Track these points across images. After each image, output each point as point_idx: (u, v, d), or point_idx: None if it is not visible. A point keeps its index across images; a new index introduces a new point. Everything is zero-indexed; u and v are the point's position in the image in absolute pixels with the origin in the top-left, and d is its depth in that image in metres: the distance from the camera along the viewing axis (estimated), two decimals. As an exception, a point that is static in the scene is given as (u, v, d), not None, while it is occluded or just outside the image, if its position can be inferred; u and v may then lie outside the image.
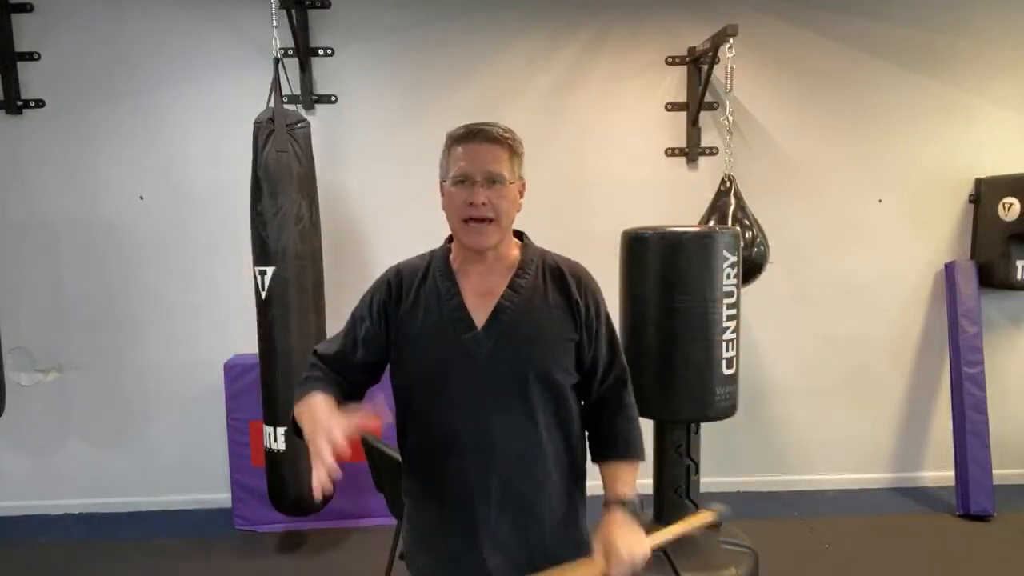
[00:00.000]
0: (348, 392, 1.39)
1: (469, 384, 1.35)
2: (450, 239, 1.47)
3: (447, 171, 1.37)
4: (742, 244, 2.91)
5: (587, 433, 1.49)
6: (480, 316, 1.36)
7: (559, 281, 1.42)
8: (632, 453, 1.48)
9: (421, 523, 1.47)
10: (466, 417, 1.35)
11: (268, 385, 2.97)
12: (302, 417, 1.29)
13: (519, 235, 1.50)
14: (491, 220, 1.32)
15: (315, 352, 1.46)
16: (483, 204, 1.31)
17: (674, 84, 3.66)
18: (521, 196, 1.41)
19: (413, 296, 1.41)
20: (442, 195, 1.40)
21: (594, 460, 1.50)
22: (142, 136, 3.50)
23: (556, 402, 1.39)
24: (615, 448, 1.47)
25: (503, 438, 1.35)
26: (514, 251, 1.44)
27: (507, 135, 1.37)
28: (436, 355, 1.36)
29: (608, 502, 1.43)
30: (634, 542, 1.32)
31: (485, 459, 1.35)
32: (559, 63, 3.60)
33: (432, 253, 1.48)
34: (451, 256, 1.44)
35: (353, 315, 1.46)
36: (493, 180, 1.32)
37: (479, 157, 1.33)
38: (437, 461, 1.39)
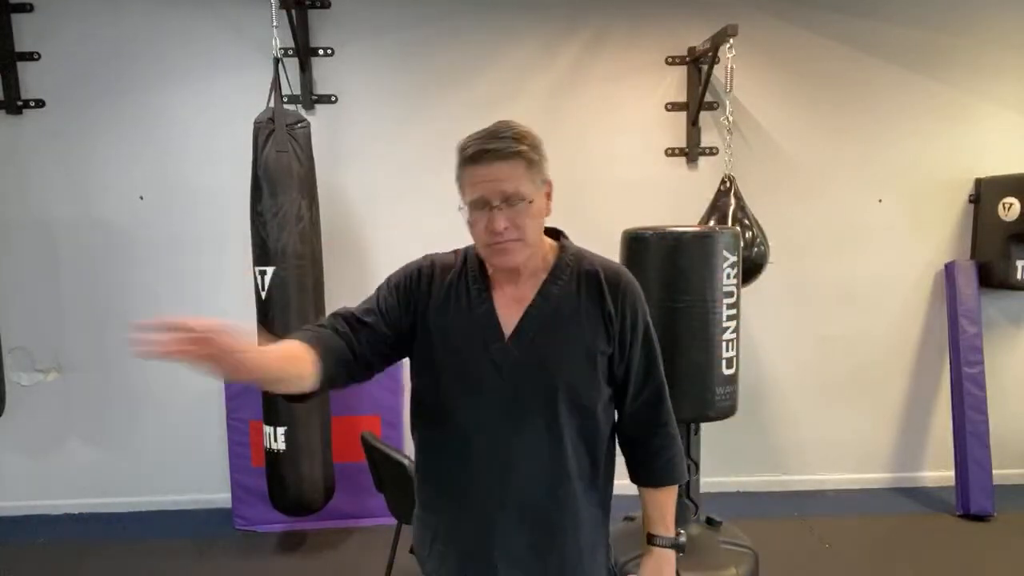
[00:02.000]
0: (352, 352, 1.27)
1: (494, 395, 1.28)
2: None
3: (463, 193, 1.28)
4: (742, 244, 2.91)
5: (625, 452, 1.42)
6: (509, 325, 1.29)
7: (593, 288, 1.32)
8: (673, 477, 1.42)
9: (433, 528, 1.41)
10: (488, 429, 1.28)
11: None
12: None
13: (556, 233, 1.40)
14: (516, 240, 1.24)
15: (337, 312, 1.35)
16: (505, 228, 1.22)
17: (674, 84, 3.66)
18: (549, 199, 1.32)
19: (444, 293, 1.33)
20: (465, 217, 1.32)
21: (633, 481, 1.44)
22: (142, 136, 3.50)
23: (583, 419, 1.31)
24: (654, 472, 1.41)
25: (526, 455, 1.28)
26: (548, 255, 1.35)
27: (518, 147, 1.24)
28: (463, 361, 1.29)
29: (651, 537, 1.40)
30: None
31: (506, 475, 1.28)
32: (559, 63, 3.60)
33: (466, 252, 1.38)
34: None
35: (376, 290, 1.37)
36: (511, 202, 1.22)
37: (493, 177, 1.22)
38: (454, 469, 1.33)
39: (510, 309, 1.30)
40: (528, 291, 1.31)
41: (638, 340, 1.34)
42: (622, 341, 1.32)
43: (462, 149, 1.26)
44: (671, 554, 1.41)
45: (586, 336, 1.30)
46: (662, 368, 1.39)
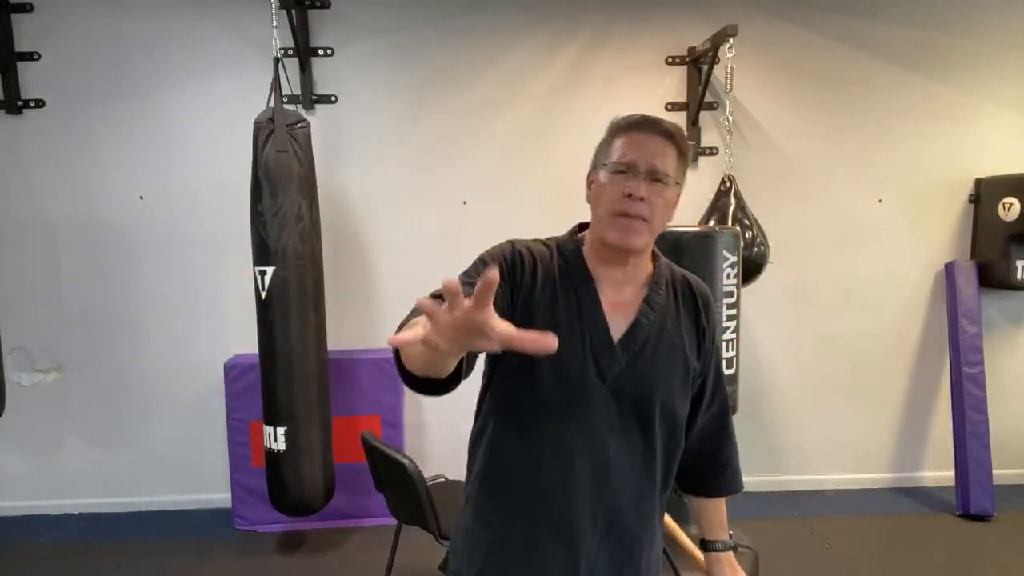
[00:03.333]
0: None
1: (593, 404, 1.20)
2: (577, 231, 1.32)
3: (605, 158, 1.22)
4: (742, 244, 2.91)
5: (688, 464, 1.38)
6: (615, 331, 1.22)
7: (689, 301, 1.30)
8: (737, 486, 1.45)
9: (490, 543, 1.26)
10: (586, 438, 1.21)
11: (268, 385, 2.97)
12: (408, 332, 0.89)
13: None
14: (645, 219, 1.17)
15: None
16: (641, 199, 1.16)
17: (674, 84, 3.66)
18: (676, 203, 1.25)
19: (550, 288, 1.23)
20: (588, 187, 1.27)
21: (692, 492, 1.44)
22: (142, 136, 3.50)
23: (672, 433, 1.28)
24: (721, 483, 1.43)
25: (621, 467, 1.22)
26: (648, 263, 1.29)
27: (678, 134, 1.21)
28: (564, 365, 1.19)
29: (710, 543, 1.42)
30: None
31: (599, 486, 1.22)
32: (559, 63, 3.60)
33: (557, 244, 1.29)
34: (584, 253, 1.28)
35: (474, 266, 1.24)
36: (656, 177, 1.17)
37: (646, 147, 1.18)
38: (544, 479, 1.22)
39: (615, 313, 1.23)
40: (631, 296, 1.25)
41: (713, 354, 1.33)
42: (706, 357, 1.31)
43: (617, 120, 1.24)
44: (732, 555, 1.44)
45: (685, 351, 1.26)
46: (726, 381, 1.40)
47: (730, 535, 1.45)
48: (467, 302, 0.77)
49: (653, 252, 1.31)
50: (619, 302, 1.24)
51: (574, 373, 1.19)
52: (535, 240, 1.30)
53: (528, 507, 1.23)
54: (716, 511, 1.44)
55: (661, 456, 1.26)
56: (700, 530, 1.45)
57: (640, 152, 1.18)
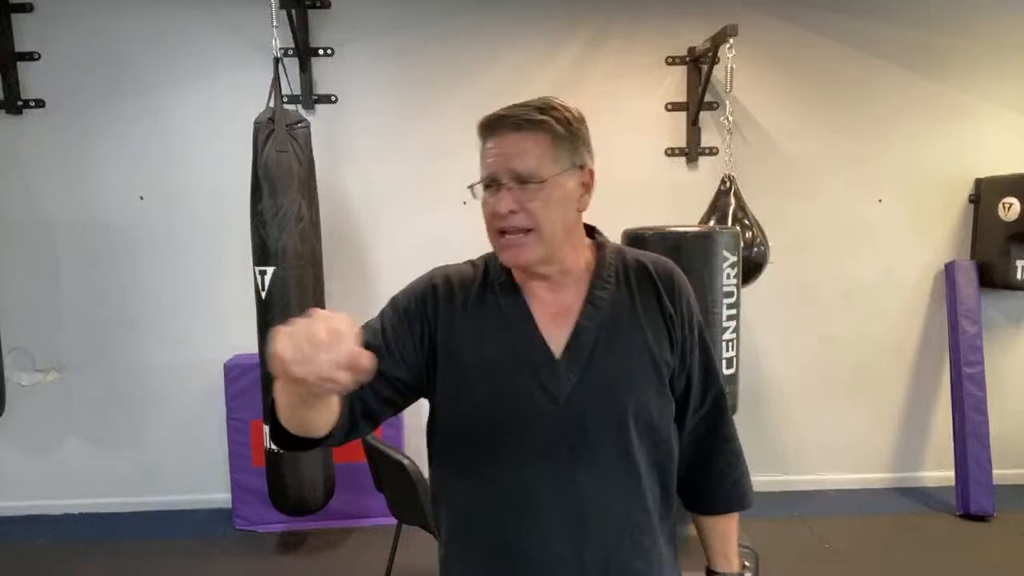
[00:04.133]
0: (353, 408, 1.04)
1: (549, 431, 1.04)
2: None
3: (479, 174, 1.08)
4: (742, 244, 2.91)
5: (680, 475, 1.19)
6: (556, 343, 1.07)
7: (647, 286, 1.12)
8: (739, 502, 1.22)
9: None
10: (547, 474, 1.04)
11: (268, 385, 2.95)
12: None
13: (590, 231, 1.17)
14: (529, 229, 1.03)
15: None
16: (511, 212, 1.02)
17: (674, 84, 3.66)
18: (587, 190, 1.09)
19: (471, 314, 1.09)
20: None
21: (689, 508, 1.24)
22: (142, 136, 3.50)
23: (655, 443, 1.10)
24: (718, 498, 1.21)
25: (598, 499, 1.05)
26: (585, 255, 1.13)
27: (544, 116, 1.03)
28: (504, 394, 1.05)
29: (712, 574, 1.23)
30: None
31: (577, 528, 1.05)
32: (559, 63, 3.60)
33: (485, 260, 1.16)
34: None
35: (379, 317, 1.15)
36: (522, 179, 1.02)
37: (502, 150, 1.03)
38: (505, 533, 1.06)
39: (554, 323, 1.08)
40: (572, 299, 1.09)
41: (696, 343, 1.15)
42: (683, 346, 1.13)
43: (480, 122, 1.08)
44: None
45: (650, 344, 1.09)
46: (721, 374, 1.20)
47: (743, 567, 1.26)
48: (347, 347, 0.74)
49: (596, 243, 1.15)
50: (559, 310, 1.09)
51: (514, 401, 1.04)
52: (464, 262, 1.18)
53: (504, 563, 1.08)
54: (713, 531, 1.23)
55: (648, 475, 1.09)
56: (705, 555, 1.26)
57: (496, 158, 1.03)
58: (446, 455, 1.13)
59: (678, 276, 1.15)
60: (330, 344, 0.74)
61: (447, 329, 1.09)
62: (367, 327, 1.11)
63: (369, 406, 1.06)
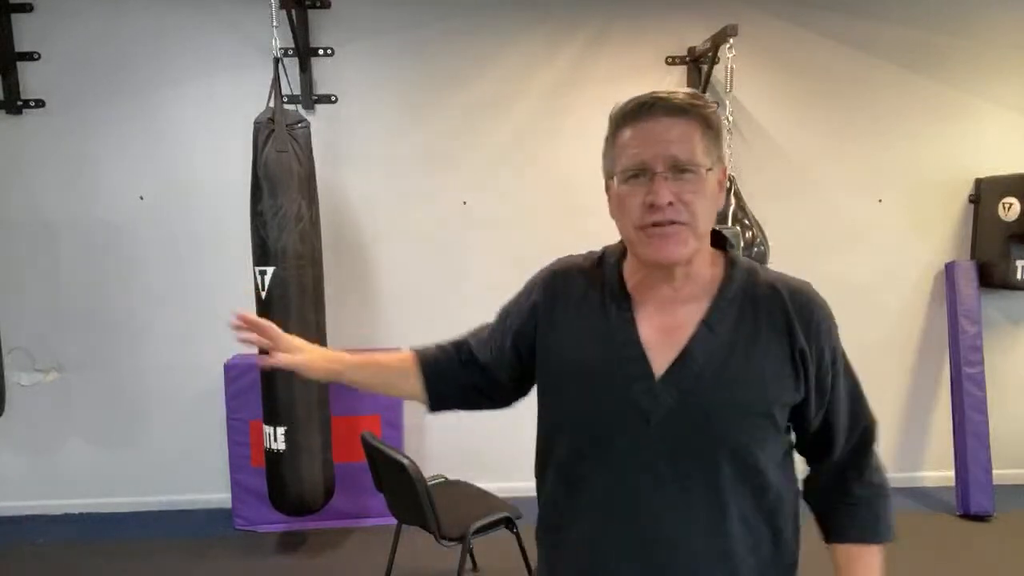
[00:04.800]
0: (466, 379, 1.18)
1: (635, 453, 0.98)
2: None
3: (614, 164, 0.99)
4: (742, 244, 2.91)
5: (815, 505, 1.14)
6: (660, 361, 0.99)
7: (777, 317, 1.01)
8: (877, 531, 1.12)
9: None
10: (628, 492, 0.99)
11: (268, 385, 2.97)
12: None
13: (719, 241, 1.07)
14: (683, 223, 0.95)
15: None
16: (669, 205, 0.93)
17: (674, 84, 3.66)
18: (722, 189, 1.01)
19: (573, 311, 1.05)
20: (609, 198, 1.03)
21: (827, 540, 1.15)
22: (142, 136, 3.50)
23: (761, 489, 1.01)
24: (854, 523, 1.11)
25: (675, 538, 0.98)
26: (712, 269, 1.04)
27: (697, 102, 0.96)
28: (593, 403, 1.00)
29: None
30: None
31: (651, 559, 0.99)
32: (559, 63, 3.60)
33: (603, 254, 1.10)
34: (625, 266, 1.06)
35: (498, 316, 1.18)
36: (681, 168, 0.94)
37: (658, 138, 0.94)
38: (584, 537, 1.04)
39: (662, 338, 1.00)
40: (687, 316, 1.01)
41: (840, 379, 1.06)
42: (821, 385, 1.03)
43: (617, 109, 0.99)
44: None
45: (766, 382, 0.99)
46: (869, 406, 1.10)
47: None
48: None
49: (727, 256, 1.06)
50: (669, 325, 1.01)
51: (603, 411, 0.99)
52: (586, 254, 1.13)
53: (573, 563, 1.06)
54: (848, 565, 1.11)
55: (742, 515, 0.99)
56: None
57: (652, 146, 0.94)
58: (544, 441, 1.11)
59: (817, 307, 1.04)
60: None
61: (548, 324, 1.08)
62: (490, 325, 1.20)
63: (488, 389, 1.18)
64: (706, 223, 0.97)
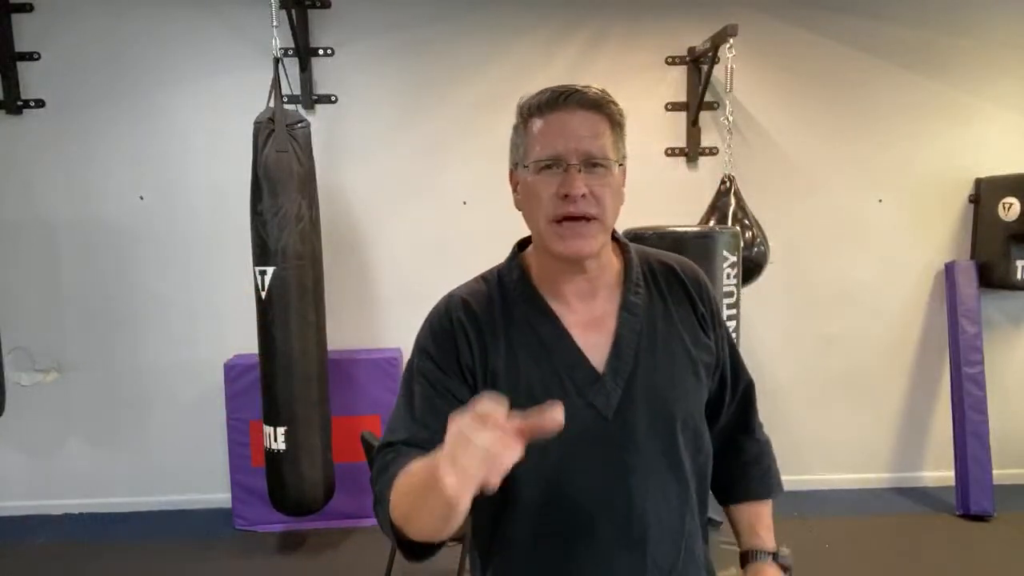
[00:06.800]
0: None
1: (602, 451, 1.00)
2: (519, 249, 1.11)
3: (524, 153, 1.00)
4: (742, 244, 2.91)
5: (713, 472, 1.14)
6: (598, 357, 1.01)
7: (677, 289, 1.08)
8: (770, 488, 1.17)
9: None
10: (604, 494, 1.00)
11: (268, 385, 2.97)
12: (413, 484, 0.83)
13: (612, 233, 1.09)
14: (594, 217, 0.96)
15: (383, 445, 1.01)
16: (583, 196, 0.95)
17: (674, 84, 3.66)
18: (624, 184, 1.03)
19: (500, 337, 1.01)
20: (514, 189, 1.05)
21: (722, 502, 1.20)
22: (142, 136, 3.50)
23: (698, 450, 1.06)
24: (750, 484, 1.16)
25: (656, 514, 1.01)
26: (614, 258, 1.08)
27: (608, 98, 0.99)
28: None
29: (753, 553, 1.14)
30: None
31: (638, 546, 1.01)
32: (559, 63, 3.59)
33: (498, 273, 1.08)
34: (532, 274, 1.06)
35: (410, 380, 1.03)
36: (594, 162, 0.96)
37: (573, 131, 0.95)
38: (563, 559, 1.01)
39: (590, 334, 1.03)
40: (604, 306, 1.04)
41: (724, 339, 1.12)
42: (716, 345, 1.09)
43: (529, 99, 1.00)
44: (776, 570, 1.15)
45: (689, 349, 1.05)
46: (744, 364, 1.17)
47: (779, 550, 1.17)
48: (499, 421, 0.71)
49: (621, 245, 1.10)
50: (592, 319, 1.03)
51: (565, 429, 0.89)
52: (474, 280, 1.09)
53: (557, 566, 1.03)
54: (744, 516, 1.18)
55: (692, 479, 1.05)
56: (738, 543, 1.20)
57: (566, 138, 0.95)
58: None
59: (702, 275, 1.13)
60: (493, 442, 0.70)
61: (481, 360, 1.01)
62: (406, 402, 1.02)
63: None
64: (612, 216, 1.00)
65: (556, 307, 1.04)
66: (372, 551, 3.05)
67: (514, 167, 1.04)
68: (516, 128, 1.03)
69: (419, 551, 0.90)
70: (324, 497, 3.11)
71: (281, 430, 2.95)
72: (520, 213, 1.05)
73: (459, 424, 0.72)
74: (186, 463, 3.67)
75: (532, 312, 1.03)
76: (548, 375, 1.00)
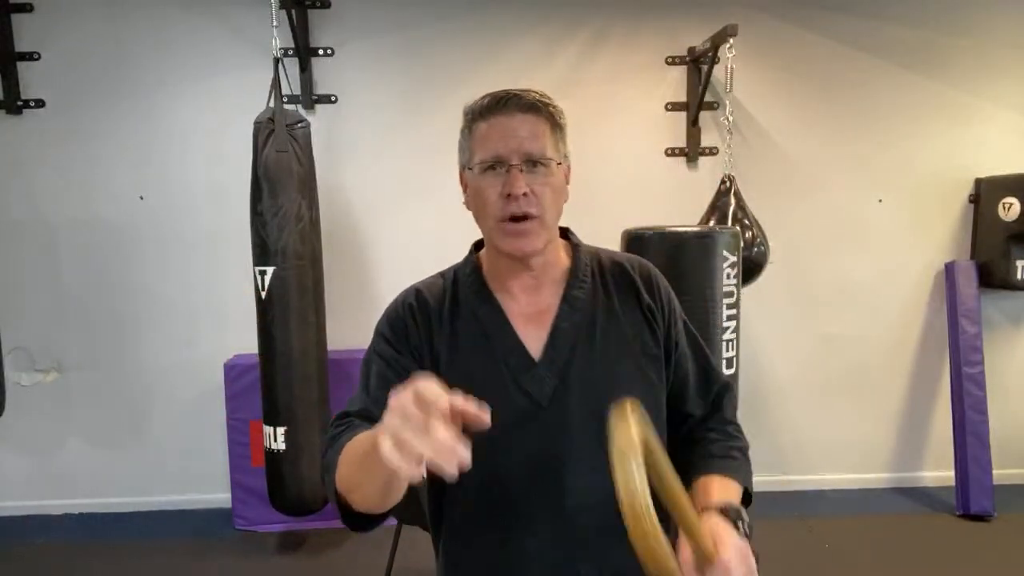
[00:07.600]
0: None
1: (536, 438, 1.04)
2: (476, 248, 1.19)
3: (470, 156, 1.07)
4: (742, 244, 2.91)
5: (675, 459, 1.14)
6: (535, 345, 1.07)
7: (624, 284, 1.13)
8: (730, 468, 1.11)
9: None
10: (538, 482, 1.04)
11: (268, 385, 2.97)
12: (357, 452, 0.89)
13: (564, 233, 1.19)
14: (535, 216, 1.03)
15: (336, 417, 1.08)
16: (524, 195, 1.01)
17: (674, 84, 3.66)
18: (567, 182, 1.10)
19: (448, 329, 1.08)
20: (464, 189, 1.12)
21: (685, 484, 1.11)
22: (142, 136, 3.50)
23: None
24: (711, 467, 1.11)
25: (587, 501, 1.03)
26: (563, 255, 1.15)
27: (547, 100, 1.05)
28: (493, 405, 0.94)
29: (705, 509, 1.03)
30: (747, 553, 0.97)
31: (570, 537, 1.04)
32: (559, 63, 3.60)
33: (455, 270, 1.16)
34: (484, 270, 1.14)
35: (369, 361, 1.10)
36: (535, 162, 1.02)
37: (513, 133, 1.02)
38: (499, 542, 1.06)
39: (531, 325, 1.08)
40: (548, 300, 1.10)
41: (683, 336, 1.16)
42: (668, 339, 1.13)
43: (472, 104, 1.07)
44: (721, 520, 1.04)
45: (630, 341, 1.09)
46: (719, 369, 1.19)
47: (728, 503, 1.04)
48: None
49: (572, 243, 1.17)
50: (536, 312, 1.09)
51: (503, 411, 0.93)
52: (434, 275, 1.17)
53: (503, 568, 1.06)
54: (703, 484, 1.09)
55: None
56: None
57: (507, 139, 1.02)
58: (436, 484, 1.11)
59: (655, 272, 1.17)
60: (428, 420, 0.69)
61: (428, 343, 1.08)
62: (363, 380, 1.09)
63: None
64: (554, 213, 1.06)
65: (502, 299, 1.10)
66: (372, 551, 3.05)
67: (462, 169, 1.11)
68: (462, 131, 1.10)
69: (362, 522, 0.97)
70: (324, 497, 3.11)
71: (281, 430, 2.95)
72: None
73: (400, 399, 0.72)
74: (186, 463, 3.67)
75: (478, 303, 1.10)
76: (488, 362, 1.06)
